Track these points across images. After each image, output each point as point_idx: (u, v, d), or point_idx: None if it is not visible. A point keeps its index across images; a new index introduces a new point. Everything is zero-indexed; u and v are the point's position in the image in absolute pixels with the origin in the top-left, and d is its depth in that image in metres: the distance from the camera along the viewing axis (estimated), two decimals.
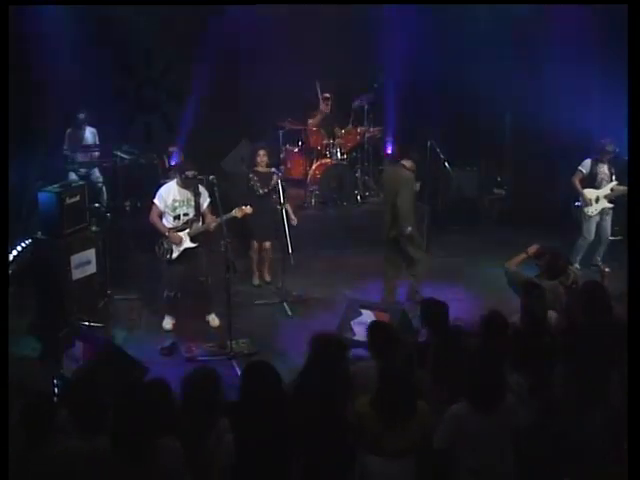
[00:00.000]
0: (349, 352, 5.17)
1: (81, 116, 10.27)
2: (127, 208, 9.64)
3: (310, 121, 11.24)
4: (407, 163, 8.28)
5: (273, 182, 8.85)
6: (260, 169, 8.99)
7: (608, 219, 9.70)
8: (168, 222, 7.78)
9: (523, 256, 6.68)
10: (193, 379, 4.30)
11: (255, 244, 9.15)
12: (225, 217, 7.59)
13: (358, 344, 6.30)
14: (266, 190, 8.87)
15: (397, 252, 8.38)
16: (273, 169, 9.02)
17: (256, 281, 9.32)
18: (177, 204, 7.77)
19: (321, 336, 4.77)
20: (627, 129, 5.64)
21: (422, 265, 8.47)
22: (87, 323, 7.70)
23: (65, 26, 10.40)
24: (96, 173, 10.40)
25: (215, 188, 7.51)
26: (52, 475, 3.97)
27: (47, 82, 10.20)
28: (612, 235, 9.98)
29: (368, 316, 7.19)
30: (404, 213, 8.08)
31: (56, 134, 10.31)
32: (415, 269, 8.45)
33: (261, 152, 9.01)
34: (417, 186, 8.34)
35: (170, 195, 7.76)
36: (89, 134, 10.46)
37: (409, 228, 8.18)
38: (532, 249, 6.66)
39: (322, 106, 11.27)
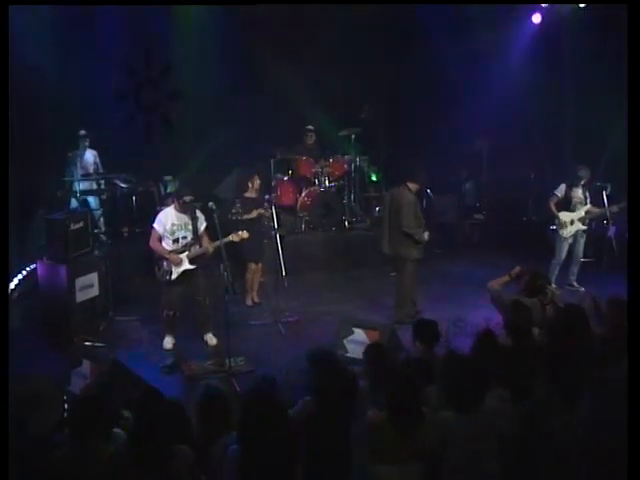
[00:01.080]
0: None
1: (82, 132, 10.57)
2: (125, 234, 9.89)
3: (295, 151, 11.72)
4: (411, 185, 8.81)
5: (258, 210, 9.24)
6: (249, 195, 9.38)
7: (582, 241, 10.10)
8: (167, 245, 8.06)
9: (506, 278, 7.07)
10: (205, 398, 4.66)
11: (253, 265, 9.50)
12: (223, 241, 7.92)
13: (351, 361, 6.67)
14: (247, 217, 9.18)
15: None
16: (267, 196, 9.42)
17: (249, 302, 9.69)
18: (175, 228, 8.07)
19: (315, 350, 5.10)
20: (628, 129, 5.94)
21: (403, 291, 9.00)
22: (91, 343, 8.04)
23: (64, 27, 10.73)
24: (96, 200, 10.74)
25: (214, 214, 7.90)
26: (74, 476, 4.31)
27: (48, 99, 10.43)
28: (586, 257, 10.45)
29: (359, 334, 7.57)
30: (412, 231, 8.70)
31: (58, 162, 10.59)
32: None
33: (256, 176, 9.44)
34: (426, 235, 8.86)
35: (169, 219, 8.05)
36: (90, 156, 10.81)
37: (426, 233, 8.84)
38: (515, 271, 7.04)
39: (305, 138, 11.78)
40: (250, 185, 9.37)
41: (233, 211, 9.17)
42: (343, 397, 4.64)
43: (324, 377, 4.71)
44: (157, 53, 11.93)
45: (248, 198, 9.35)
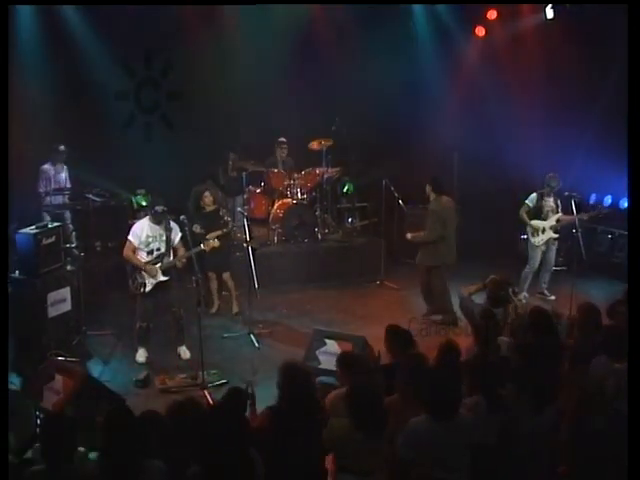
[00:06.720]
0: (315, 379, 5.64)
1: (61, 148, 10.57)
2: (98, 248, 9.92)
3: (267, 164, 11.78)
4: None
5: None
6: (207, 209, 9.53)
7: (553, 249, 10.27)
8: (142, 257, 8.14)
9: (479, 286, 7.22)
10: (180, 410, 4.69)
11: (212, 274, 9.63)
12: (193, 251, 8.02)
13: (323, 372, 6.77)
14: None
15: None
16: (239, 208, 9.49)
17: (213, 310, 9.77)
18: (150, 239, 8.15)
19: (288, 363, 5.13)
20: (628, 130, 6.04)
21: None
22: (63, 358, 7.96)
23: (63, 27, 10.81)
24: (68, 214, 10.69)
25: (186, 227, 7.99)
26: None
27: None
28: (557, 265, 10.60)
29: (332, 345, 7.59)
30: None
31: (29, 175, 10.53)
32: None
33: (207, 193, 9.61)
34: None
35: (144, 231, 8.15)
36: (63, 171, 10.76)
37: None
38: (489, 280, 7.15)
39: (278, 151, 11.85)
40: (205, 201, 9.57)
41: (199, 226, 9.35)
42: (307, 410, 4.76)
43: (292, 389, 4.83)
44: (157, 53, 11.97)
45: (206, 212, 9.51)
